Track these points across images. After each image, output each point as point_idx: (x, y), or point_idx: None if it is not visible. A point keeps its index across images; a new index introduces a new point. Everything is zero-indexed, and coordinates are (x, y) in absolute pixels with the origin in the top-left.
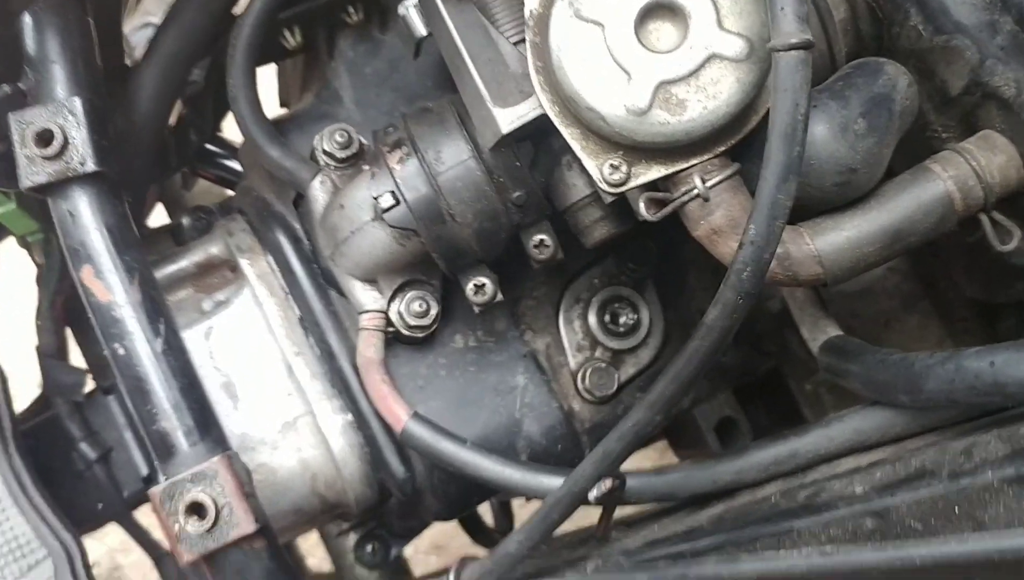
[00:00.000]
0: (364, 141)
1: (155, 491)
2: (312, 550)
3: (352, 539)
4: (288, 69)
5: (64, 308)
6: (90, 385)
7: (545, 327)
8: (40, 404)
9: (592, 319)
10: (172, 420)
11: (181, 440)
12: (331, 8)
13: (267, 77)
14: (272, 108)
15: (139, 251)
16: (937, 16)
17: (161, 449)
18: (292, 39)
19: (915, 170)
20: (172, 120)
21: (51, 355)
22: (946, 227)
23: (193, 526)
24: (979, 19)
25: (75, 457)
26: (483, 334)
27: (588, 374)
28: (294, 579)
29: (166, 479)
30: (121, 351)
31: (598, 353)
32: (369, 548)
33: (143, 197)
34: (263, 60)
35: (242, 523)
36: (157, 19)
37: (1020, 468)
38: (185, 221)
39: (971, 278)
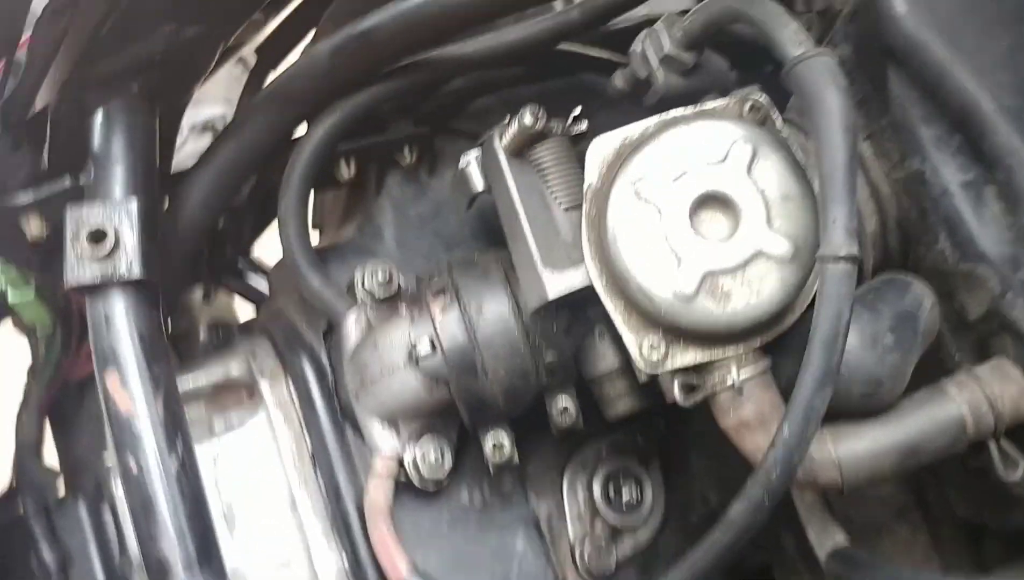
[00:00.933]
0: (402, 283)
1: None
2: None
3: None
4: (329, 197)
5: (49, 405)
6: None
7: (549, 492)
8: (7, 498)
9: (596, 490)
10: (174, 547)
11: (179, 571)
12: (388, 146)
13: None
14: None
15: (167, 364)
16: (965, 243)
17: (157, 576)
18: (347, 171)
19: (931, 389)
20: None
21: (29, 450)
22: (956, 449)
23: None
24: (1004, 252)
25: (34, 563)
26: (490, 493)
27: (587, 551)
28: None
29: None
30: (133, 466)
31: (597, 527)
32: None
33: (174, 305)
34: (320, 186)
35: None
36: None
37: None
38: (203, 336)
39: (967, 499)
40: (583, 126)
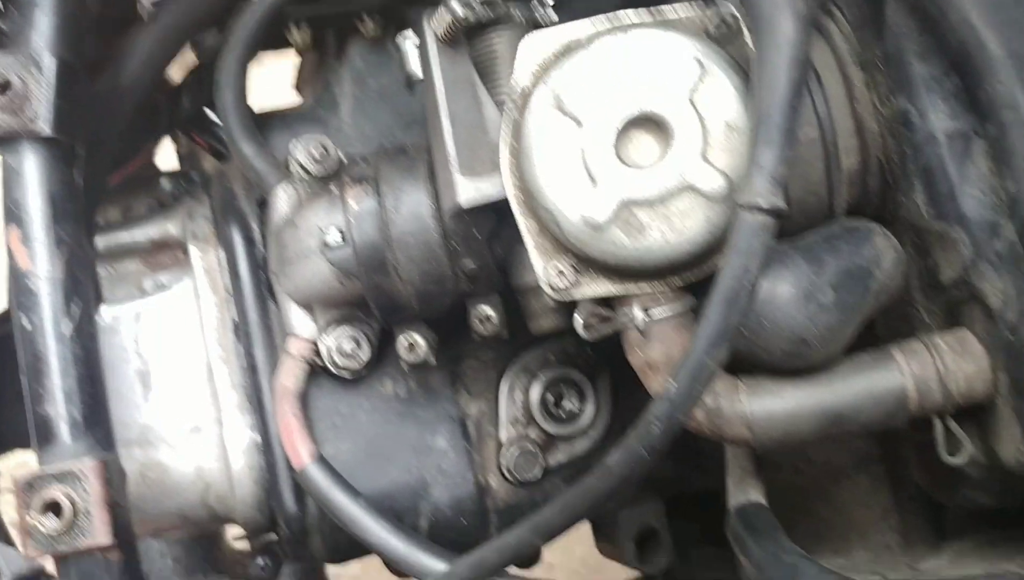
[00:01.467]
0: (345, 159)
1: (18, 477)
2: None
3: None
4: (308, 59)
5: None
6: None
7: (483, 392)
8: None
9: (534, 396)
10: (60, 408)
11: (63, 431)
12: (345, 17)
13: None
14: (276, 95)
15: (76, 226)
16: (942, 200)
17: (42, 434)
18: (299, 37)
19: (876, 354)
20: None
21: None
22: (894, 423)
23: (46, 524)
24: (982, 216)
25: None
26: (415, 386)
27: (513, 454)
28: None
29: (38, 467)
30: (27, 323)
31: (532, 433)
32: (260, 562)
33: (119, 159)
34: (273, 46)
35: (97, 534)
36: None
37: None
38: (164, 182)
39: (919, 468)
40: (552, 16)
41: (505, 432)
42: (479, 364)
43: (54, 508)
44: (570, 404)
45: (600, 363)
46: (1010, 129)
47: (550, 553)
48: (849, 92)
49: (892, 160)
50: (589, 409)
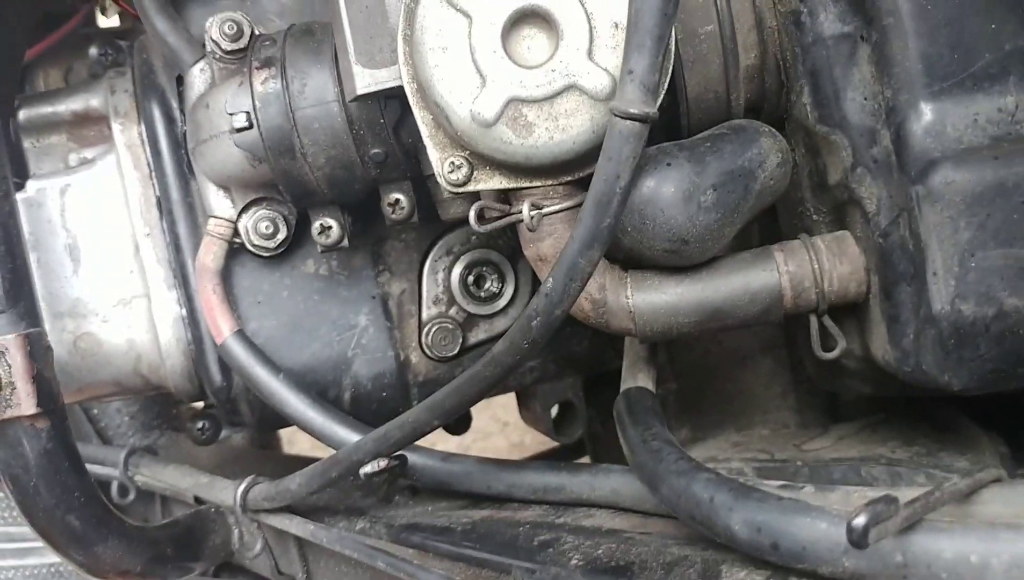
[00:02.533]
0: (259, 35)
1: None
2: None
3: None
4: None
5: None
6: None
7: (405, 273)
8: None
9: (455, 276)
10: None
11: None
12: None
13: None
14: None
15: None
16: (825, 103)
17: None
18: None
19: (758, 253)
20: None
21: None
22: (771, 318)
23: None
24: (862, 122)
25: None
26: (337, 266)
27: (433, 331)
28: (74, 462)
29: None
30: None
31: (452, 311)
32: (199, 426)
33: (38, 28)
34: None
35: (22, 404)
36: None
37: None
38: (92, 52)
39: (807, 357)
40: None
41: (426, 311)
42: (401, 245)
43: None
44: (490, 283)
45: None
46: (891, 35)
47: (507, 413)
48: None
49: (787, 59)
50: (508, 289)
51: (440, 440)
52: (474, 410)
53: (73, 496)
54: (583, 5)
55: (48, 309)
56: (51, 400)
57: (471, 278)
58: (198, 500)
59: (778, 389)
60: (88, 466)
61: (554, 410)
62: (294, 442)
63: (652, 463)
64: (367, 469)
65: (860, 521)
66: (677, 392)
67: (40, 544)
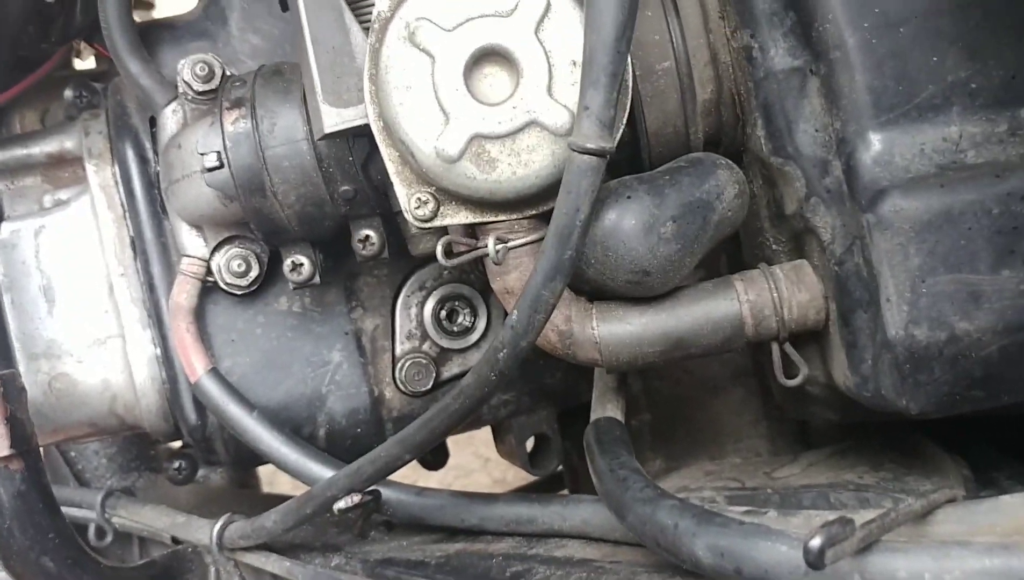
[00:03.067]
0: (230, 77)
1: None
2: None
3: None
4: None
5: None
6: None
7: (378, 308)
8: None
9: (428, 310)
10: None
11: None
12: None
13: None
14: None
15: None
16: (778, 136)
17: None
18: None
19: (718, 282)
20: None
21: None
22: (733, 347)
23: None
24: (815, 153)
25: None
26: (310, 302)
27: (407, 366)
28: (48, 504)
29: None
30: None
31: (426, 346)
32: (176, 465)
33: (14, 71)
34: None
35: None
36: None
37: None
38: (68, 94)
39: (774, 385)
40: None
41: (400, 346)
42: (374, 280)
43: None
44: (462, 318)
45: None
46: (838, 68)
47: (487, 449)
48: (705, 22)
49: (741, 93)
50: (481, 323)
51: (421, 477)
52: (455, 446)
53: (48, 538)
54: (542, 44)
55: (23, 350)
56: (24, 442)
57: (443, 313)
58: (175, 540)
59: (749, 417)
60: (65, 509)
61: (530, 443)
62: (275, 483)
63: (619, 491)
64: (341, 505)
65: (816, 543)
66: (651, 422)
67: None
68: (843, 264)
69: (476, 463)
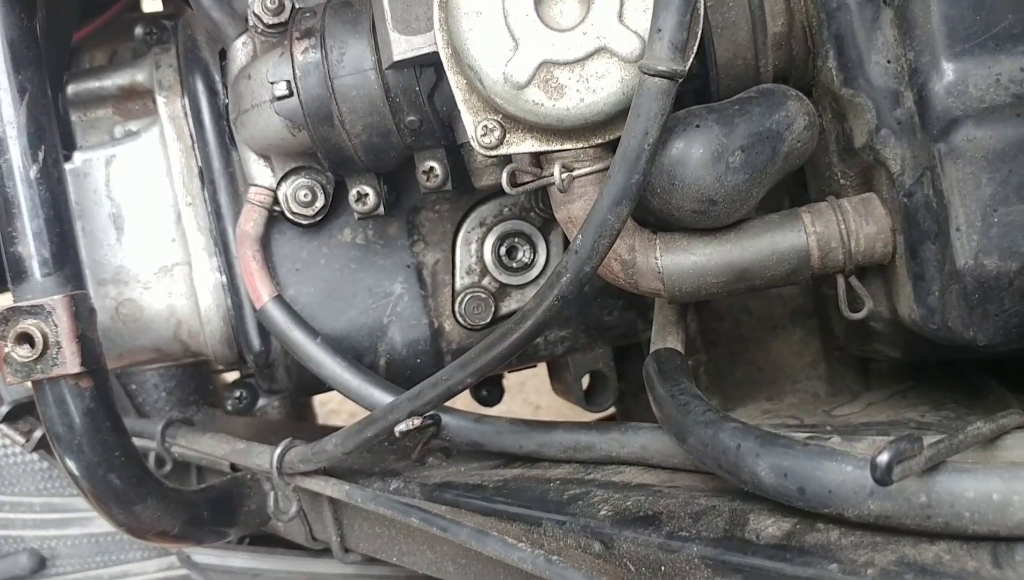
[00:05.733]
0: (301, 7)
1: None
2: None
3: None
4: None
5: None
6: None
7: (439, 243)
8: None
9: (488, 246)
10: (30, 247)
11: (34, 268)
12: None
13: None
14: None
15: (39, 74)
16: (849, 67)
17: (15, 272)
18: None
19: (786, 214)
20: None
21: None
22: (799, 279)
23: (20, 354)
24: (886, 84)
25: None
26: (373, 234)
27: (466, 300)
28: (115, 423)
29: (13, 301)
30: None
31: (485, 281)
32: (237, 394)
33: (88, 6)
34: None
35: (67, 363)
36: None
37: (720, 554)
38: (138, 31)
39: (837, 322)
40: None
41: (460, 280)
42: (435, 215)
43: (28, 339)
44: (522, 254)
45: (552, 216)
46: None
47: (539, 396)
48: None
49: (813, 26)
50: (540, 260)
51: None
52: (506, 394)
53: (114, 455)
54: None
55: (92, 276)
56: (95, 360)
57: (503, 249)
58: (234, 468)
59: (808, 358)
60: None
61: (585, 380)
62: (329, 419)
63: (680, 416)
64: (402, 427)
65: (884, 458)
66: (707, 363)
67: (81, 515)
68: (912, 196)
69: (527, 410)
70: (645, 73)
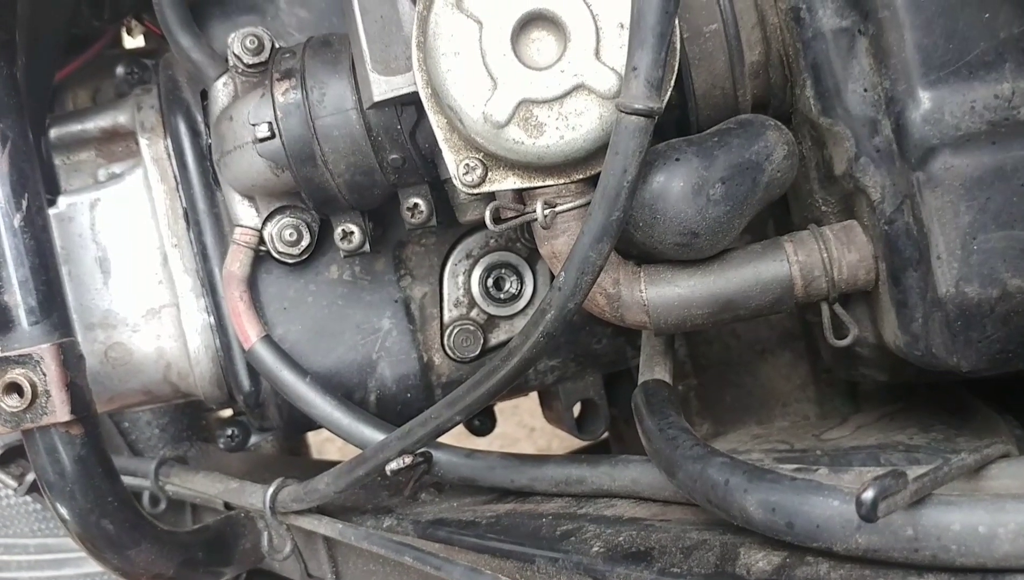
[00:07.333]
0: (279, 49)
1: None
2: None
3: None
4: None
5: None
6: None
7: (426, 276)
8: None
9: (475, 278)
10: (16, 296)
11: (21, 317)
12: None
13: None
14: None
15: (19, 120)
16: (827, 96)
17: (1, 321)
18: None
19: (768, 244)
20: None
21: None
22: (783, 308)
23: (9, 403)
24: (864, 113)
25: None
26: (360, 270)
27: (455, 333)
28: (106, 468)
29: (1, 351)
30: None
31: (473, 313)
32: (229, 432)
33: (67, 50)
34: None
35: (57, 411)
36: None
37: None
38: (119, 71)
39: (824, 347)
40: None
41: (448, 313)
42: (422, 249)
43: (16, 389)
44: (509, 286)
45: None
46: (887, 28)
47: (533, 418)
48: None
49: (790, 55)
50: (528, 290)
51: (469, 444)
52: (500, 416)
53: (107, 501)
54: (589, 7)
55: (79, 320)
56: (84, 407)
57: (490, 280)
58: (228, 506)
59: (797, 381)
60: None
61: (576, 409)
62: (323, 452)
63: (668, 450)
64: (393, 466)
65: (868, 495)
66: (698, 387)
67: (75, 555)
68: (893, 223)
69: (521, 432)
70: (622, 111)
